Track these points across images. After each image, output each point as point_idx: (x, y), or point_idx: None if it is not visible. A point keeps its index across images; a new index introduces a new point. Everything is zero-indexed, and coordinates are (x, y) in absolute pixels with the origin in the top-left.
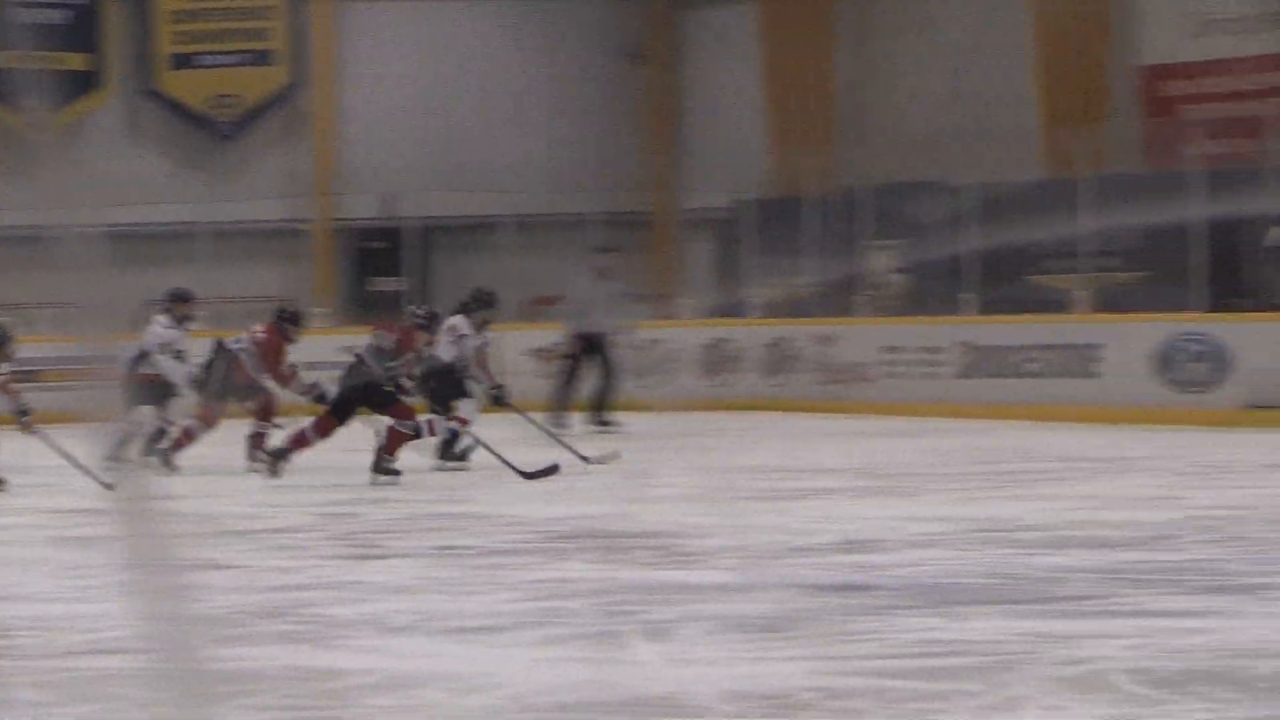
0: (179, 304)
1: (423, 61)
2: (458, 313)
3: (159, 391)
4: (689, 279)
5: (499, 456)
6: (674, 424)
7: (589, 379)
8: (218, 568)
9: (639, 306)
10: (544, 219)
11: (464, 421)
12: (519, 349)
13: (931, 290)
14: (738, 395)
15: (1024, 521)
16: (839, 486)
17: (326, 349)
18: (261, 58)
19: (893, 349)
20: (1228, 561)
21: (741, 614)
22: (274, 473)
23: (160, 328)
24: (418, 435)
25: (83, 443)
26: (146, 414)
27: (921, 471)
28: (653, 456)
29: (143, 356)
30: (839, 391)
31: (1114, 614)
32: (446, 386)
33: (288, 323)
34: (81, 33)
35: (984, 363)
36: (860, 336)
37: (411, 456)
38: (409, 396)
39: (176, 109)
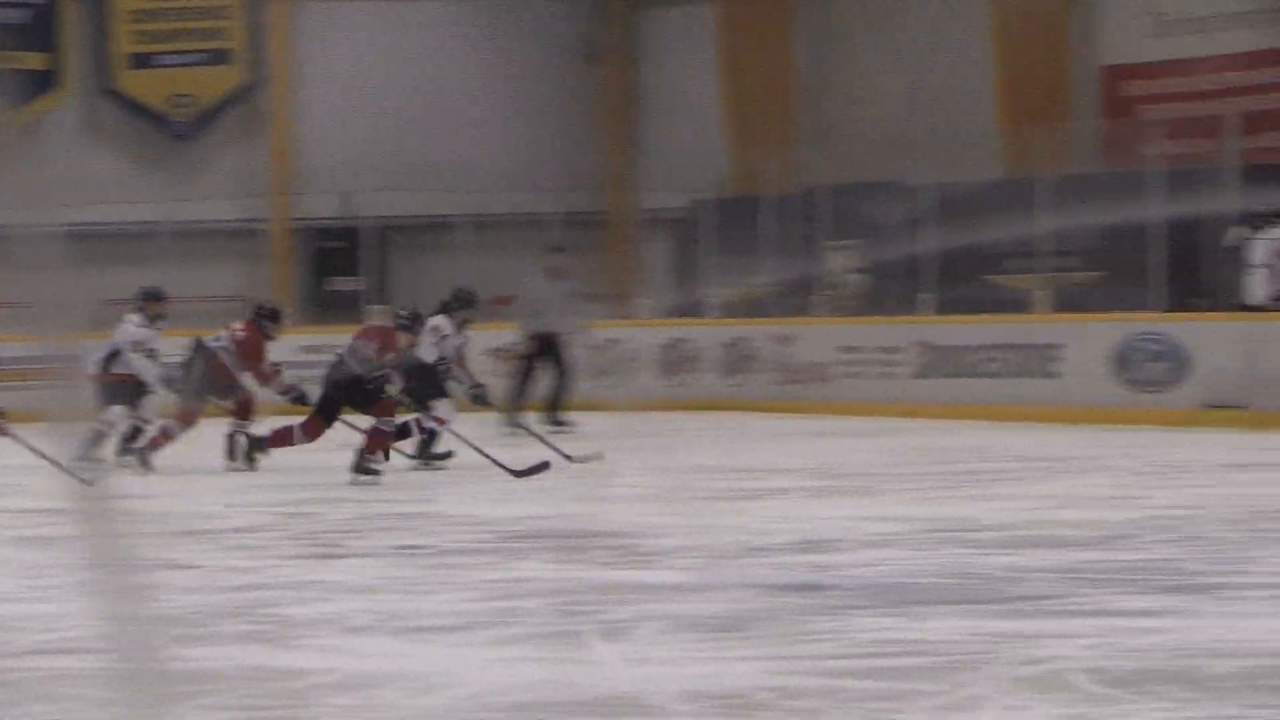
0: (151, 302)
1: (380, 61)
2: (439, 313)
3: (131, 390)
4: (647, 279)
5: (487, 456)
6: (632, 424)
7: (543, 379)
8: (177, 567)
9: (592, 306)
10: (501, 219)
11: (442, 421)
12: (477, 349)
13: (889, 290)
14: (696, 395)
15: (982, 521)
16: (796, 486)
17: (284, 349)
18: (219, 57)
19: (851, 349)
20: (1185, 561)
21: (699, 614)
22: (250, 461)
23: (133, 326)
24: (401, 436)
25: (51, 442)
26: (118, 413)
27: (879, 471)
28: (610, 456)
29: (115, 355)
30: (797, 391)
31: (1072, 613)
32: (425, 385)
33: (267, 320)
34: (40, 32)
35: (942, 363)
36: (818, 336)
37: (392, 456)
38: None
39: (135, 108)
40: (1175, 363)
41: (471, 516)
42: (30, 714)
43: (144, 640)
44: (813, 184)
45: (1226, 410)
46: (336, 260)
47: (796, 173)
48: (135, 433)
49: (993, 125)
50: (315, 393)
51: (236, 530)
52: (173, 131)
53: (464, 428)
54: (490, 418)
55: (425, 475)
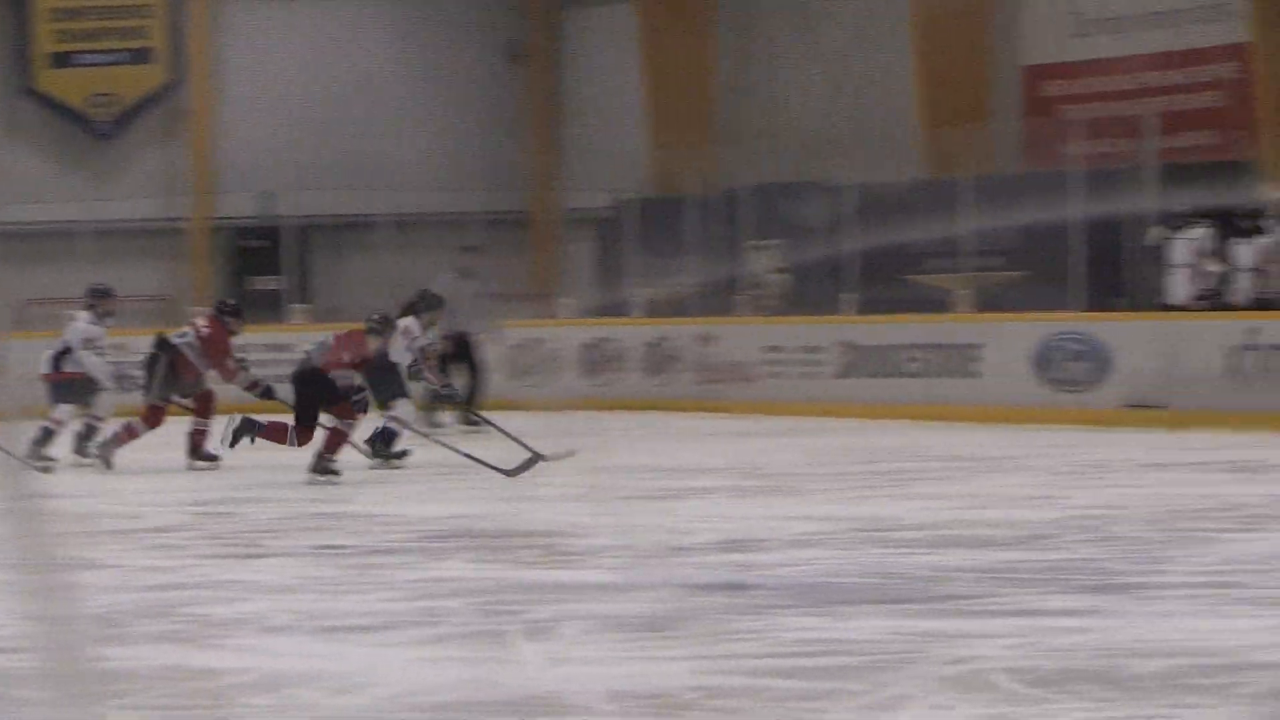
0: (101, 300)
1: (302, 60)
2: (405, 314)
3: (82, 389)
4: (570, 278)
5: (473, 458)
6: (555, 424)
7: (457, 379)
8: (96, 567)
9: (505, 306)
10: (424, 218)
11: (400, 421)
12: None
13: (812, 290)
14: (619, 395)
15: (905, 521)
16: (720, 486)
17: None
18: (140, 56)
19: (773, 349)
20: (1106, 561)
21: (623, 613)
22: (235, 441)
23: (84, 323)
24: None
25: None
26: (67, 411)
27: (802, 471)
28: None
29: (65, 353)
30: (720, 391)
31: (994, 613)
32: (386, 384)
33: (229, 315)
34: None
35: (864, 362)
36: (741, 336)
37: (349, 455)
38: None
39: (55, 107)
40: (1096, 362)
41: (394, 516)
42: None
43: (68, 640)
44: (735, 184)
45: (1147, 410)
46: (258, 259)
47: (719, 173)
48: (90, 431)
49: (914, 125)
50: (281, 389)
51: (156, 530)
52: (93, 131)
53: (444, 432)
54: (455, 417)
55: (349, 475)
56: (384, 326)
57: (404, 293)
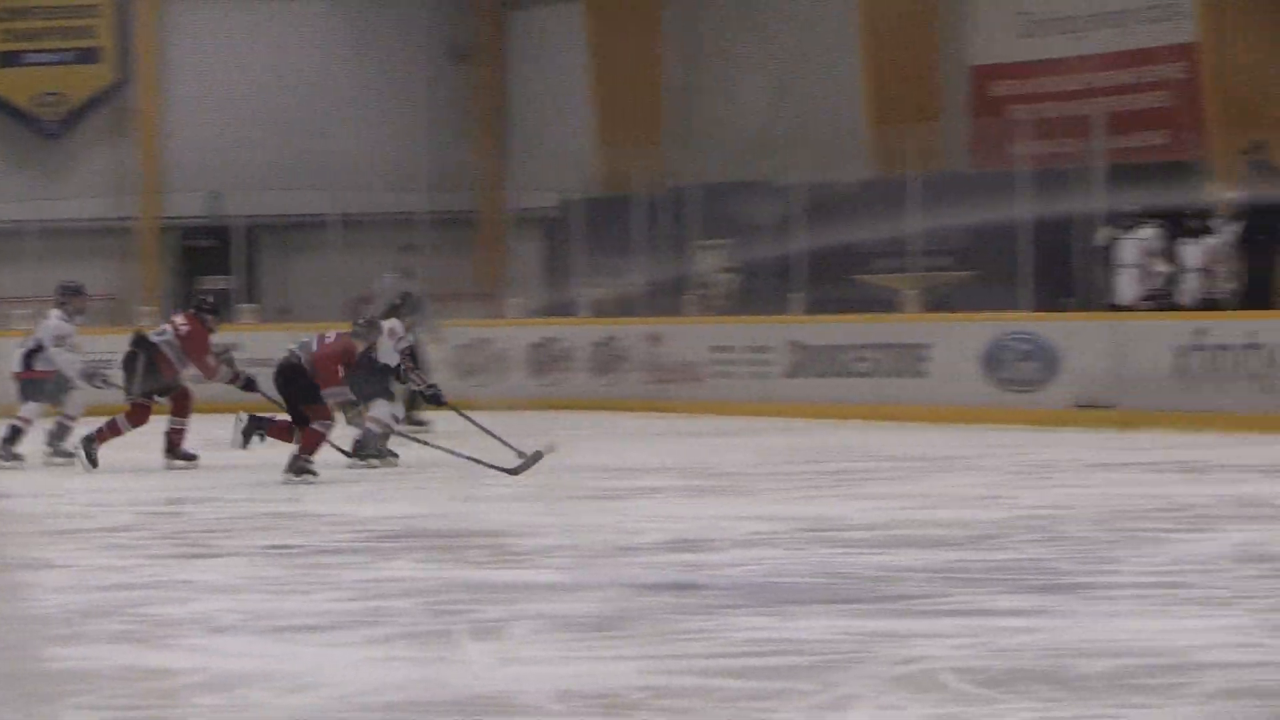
0: (72, 297)
1: (249, 60)
2: (388, 316)
3: (53, 388)
4: (517, 278)
5: (475, 459)
6: (502, 423)
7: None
8: (47, 567)
9: (447, 305)
10: (371, 218)
11: (379, 422)
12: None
13: (760, 290)
14: (566, 394)
15: (853, 521)
16: (668, 486)
17: None
18: (88, 56)
19: (721, 348)
20: (1054, 561)
21: (571, 613)
22: (246, 441)
23: (55, 320)
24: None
25: None
26: (34, 410)
27: (751, 471)
28: (482, 456)
29: (36, 351)
30: (668, 391)
31: (943, 613)
32: (369, 385)
33: (208, 313)
34: None
35: (813, 362)
36: (689, 336)
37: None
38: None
39: (2, 107)
40: (1044, 362)
41: (342, 515)
42: None
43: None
44: (683, 183)
45: (1095, 410)
46: (206, 259)
47: (666, 172)
48: (62, 431)
49: (862, 125)
50: (261, 380)
51: (106, 530)
52: (41, 130)
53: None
54: (445, 416)
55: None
56: (370, 329)
57: (352, 292)
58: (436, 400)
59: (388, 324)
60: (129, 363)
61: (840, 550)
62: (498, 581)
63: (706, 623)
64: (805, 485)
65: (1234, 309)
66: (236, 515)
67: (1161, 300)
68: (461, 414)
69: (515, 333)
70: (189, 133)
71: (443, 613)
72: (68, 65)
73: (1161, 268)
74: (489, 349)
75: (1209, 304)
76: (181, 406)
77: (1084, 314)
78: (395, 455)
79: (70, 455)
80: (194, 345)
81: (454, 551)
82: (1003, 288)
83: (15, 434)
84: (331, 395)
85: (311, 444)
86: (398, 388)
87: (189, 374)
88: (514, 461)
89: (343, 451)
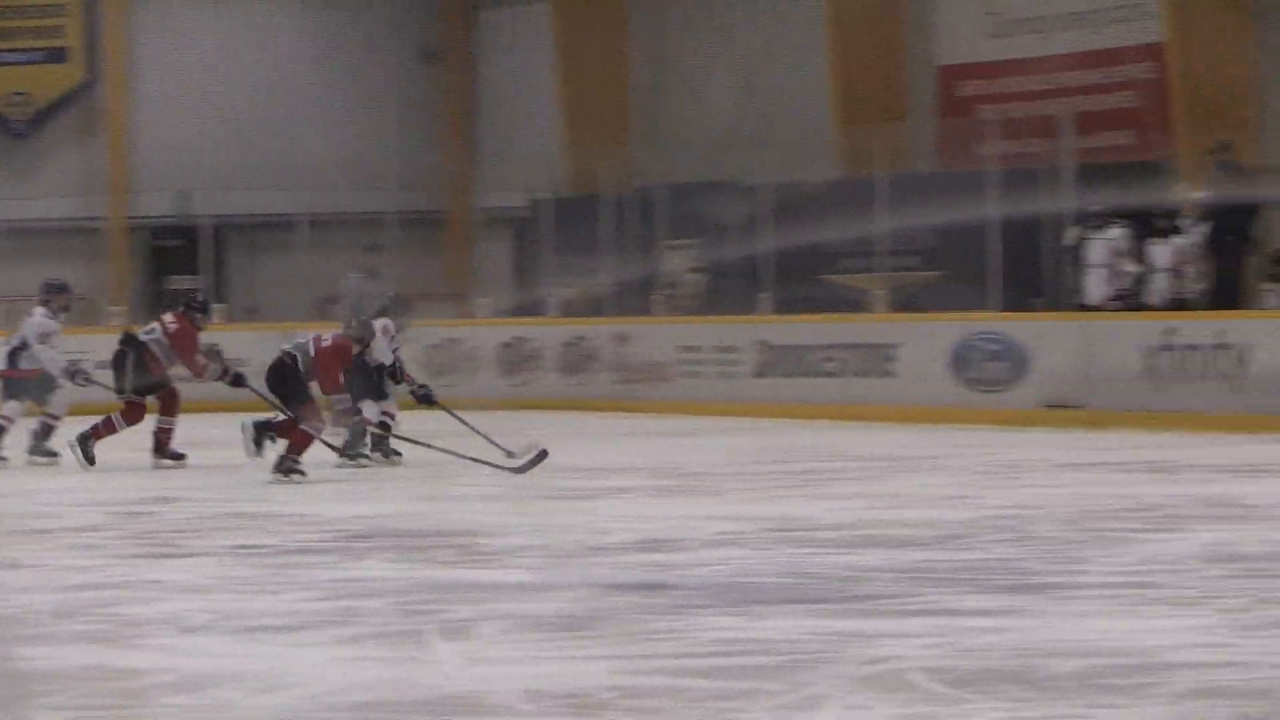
0: (58, 295)
1: (218, 60)
2: (380, 316)
3: (38, 387)
4: (486, 278)
5: (478, 460)
6: (472, 423)
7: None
8: (14, 567)
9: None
10: (340, 218)
11: (369, 423)
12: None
13: (728, 290)
14: (536, 394)
15: (821, 521)
16: (637, 486)
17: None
18: (56, 56)
19: (690, 348)
20: (1023, 561)
21: (541, 613)
22: (259, 448)
23: (41, 318)
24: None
25: None
26: (15, 409)
27: (719, 471)
28: (402, 456)
29: (20, 349)
30: (636, 391)
31: (912, 613)
32: (361, 385)
33: (197, 311)
34: None
35: (780, 362)
36: (657, 336)
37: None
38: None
39: None
40: (1013, 362)
41: (312, 515)
42: None
43: None
44: (651, 183)
45: (1064, 410)
46: (174, 259)
47: (634, 172)
48: (46, 430)
49: (829, 125)
50: (250, 375)
51: (74, 529)
52: (9, 130)
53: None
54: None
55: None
56: (365, 329)
57: (320, 292)
58: (428, 400)
59: (380, 323)
60: (118, 361)
61: (808, 550)
62: (467, 581)
63: (675, 622)
64: (773, 485)
65: (1203, 309)
66: (206, 515)
67: (1130, 300)
68: (453, 414)
69: (484, 333)
70: (157, 132)
71: (412, 613)
72: (36, 65)
73: (1130, 268)
74: (458, 349)
75: (1178, 304)
76: (170, 406)
77: (1052, 314)
78: (399, 454)
79: (53, 455)
80: (182, 343)
81: (423, 551)
82: (971, 288)
83: None
84: (336, 402)
85: (300, 444)
86: (391, 387)
87: (177, 372)
88: (509, 461)
89: (334, 448)
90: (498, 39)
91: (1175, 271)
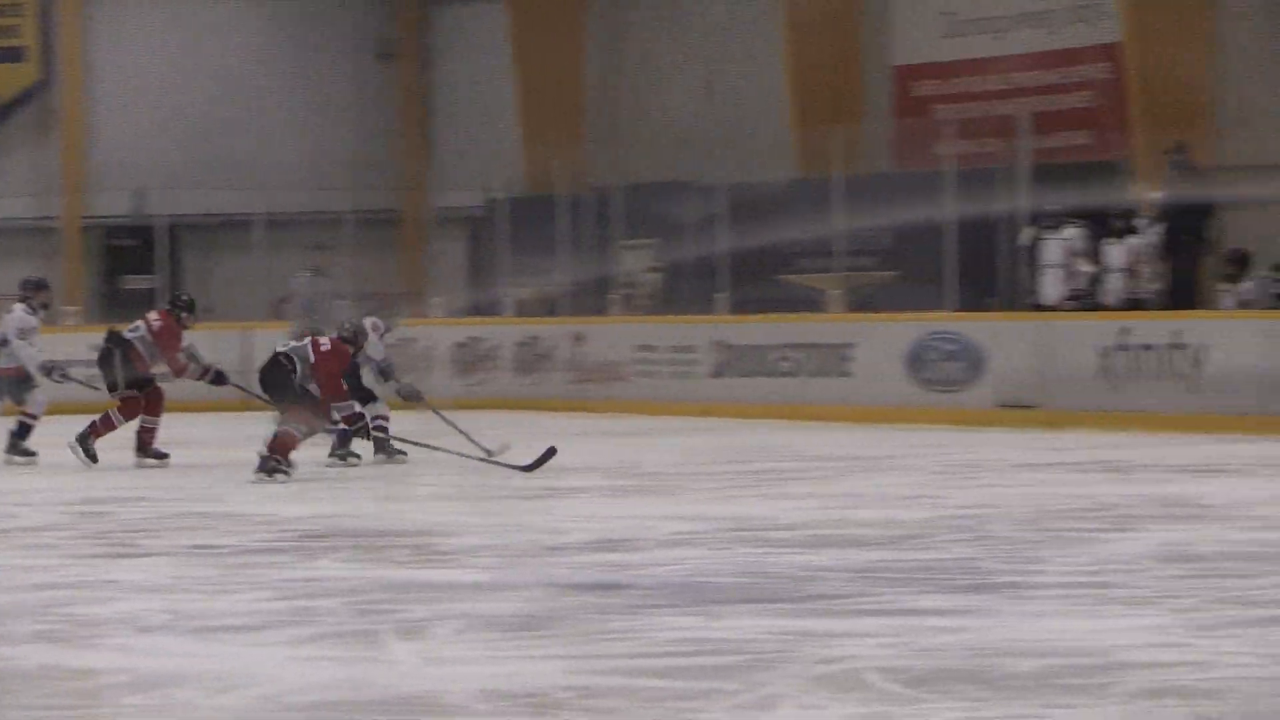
0: (37, 292)
1: (173, 59)
2: (368, 315)
3: (16, 386)
4: (441, 277)
5: (485, 459)
6: (426, 423)
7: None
8: None
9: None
10: (295, 217)
11: (351, 421)
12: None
13: (684, 289)
14: (491, 394)
15: (778, 520)
16: (593, 486)
17: (76, 347)
18: (11, 55)
19: (646, 348)
20: (979, 560)
21: (497, 613)
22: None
23: (20, 314)
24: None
25: None
26: None
27: (675, 471)
28: (406, 455)
29: (1, 345)
30: (592, 390)
31: (868, 612)
32: (353, 387)
33: (183, 310)
34: None
35: (737, 362)
36: (613, 335)
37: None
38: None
39: None
40: (969, 362)
41: (268, 515)
42: None
43: None
44: (607, 183)
45: (1020, 410)
46: (130, 258)
47: (590, 172)
48: (24, 429)
49: (786, 125)
50: (231, 374)
51: (31, 529)
52: None
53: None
54: (421, 415)
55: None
56: (358, 332)
57: (276, 292)
58: (415, 397)
59: (369, 321)
60: (105, 359)
61: (764, 550)
62: (423, 581)
63: (631, 622)
64: (729, 485)
65: (1158, 309)
66: (162, 515)
67: (1086, 300)
68: (437, 413)
69: (439, 332)
70: (112, 132)
71: (368, 612)
72: None
73: (1086, 268)
74: (412, 348)
75: (1133, 304)
76: (153, 405)
77: (1008, 314)
78: (404, 454)
79: (31, 455)
80: (166, 340)
81: (379, 551)
82: (927, 288)
83: None
84: (340, 410)
85: (284, 445)
86: (379, 388)
87: (159, 370)
88: (514, 460)
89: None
90: (453, 37)
91: (1131, 271)
